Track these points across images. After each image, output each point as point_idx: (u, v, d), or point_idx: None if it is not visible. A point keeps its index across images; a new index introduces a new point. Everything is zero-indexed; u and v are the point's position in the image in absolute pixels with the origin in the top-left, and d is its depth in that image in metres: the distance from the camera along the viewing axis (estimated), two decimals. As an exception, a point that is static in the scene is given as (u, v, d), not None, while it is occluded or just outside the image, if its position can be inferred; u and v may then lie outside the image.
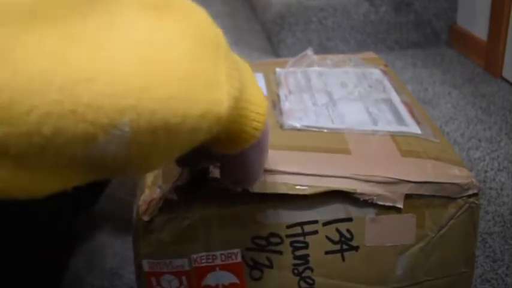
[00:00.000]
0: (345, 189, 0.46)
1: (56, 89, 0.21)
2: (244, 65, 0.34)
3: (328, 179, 0.47)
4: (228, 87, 0.28)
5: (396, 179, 0.47)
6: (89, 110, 0.22)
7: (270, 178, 0.46)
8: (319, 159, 0.49)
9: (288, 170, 0.47)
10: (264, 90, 0.63)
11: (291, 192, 0.46)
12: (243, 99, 0.31)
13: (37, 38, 0.21)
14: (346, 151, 0.51)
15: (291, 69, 0.68)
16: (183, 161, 0.40)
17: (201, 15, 0.29)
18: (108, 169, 0.26)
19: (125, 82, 0.23)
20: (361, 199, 0.47)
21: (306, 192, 0.46)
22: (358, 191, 0.46)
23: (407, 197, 0.48)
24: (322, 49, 1.41)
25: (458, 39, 1.43)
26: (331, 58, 0.71)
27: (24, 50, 0.21)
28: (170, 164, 0.47)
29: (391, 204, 0.47)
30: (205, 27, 0.29)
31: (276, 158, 0.48)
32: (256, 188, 0.45)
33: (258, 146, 0.36)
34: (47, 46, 0.22)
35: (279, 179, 0.46)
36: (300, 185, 0.46)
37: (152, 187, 0.47)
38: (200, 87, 0.26)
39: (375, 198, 0.47)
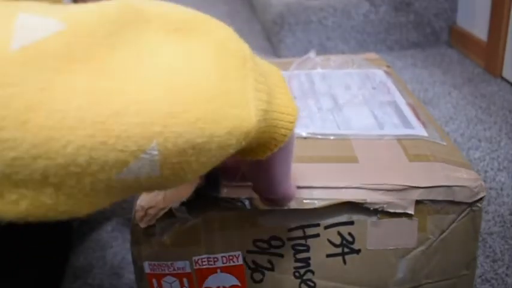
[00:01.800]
0: (354, 200, 0.46)
1: (88, 124, 0.23)
2: (272, 71, 0.34)
3: (336, 190, 0.47)
4: (256, 102, 0.29)
5: (405, 185, 0.47)
6: (118, 140, 0.24)
7: None
8: (327, 170, 0.49)
9: (296, 184, 0.47)
10: None
11: (300, 207, 0.46)
12: (271, 110, 0.32)
13: (69, 79, 0.23)
14: (353, 159, 0.51)
15: (295, 72, 0.68)
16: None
17: (225, 32, 0.30)
18: (146, 186, 0.27)
19: (152, 110, 0.24)
20: (372, 208, 0.47)
21: (316, 206, 0.46)
22: (368, 200, 0.46)
23: (416, 202, 0.47)
24: (322, 49, 1.41)
25: (458, 39, 1.43)
26: (334, 59, 0.71)
27: (57, 91, 0.23)
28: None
29: (402, 211, 0.47)
30: (229, 44, 0.29)
31: None
32: (266, 205, 0.45)
33: (284, 149, 0.36)
34: (78, 85, 0.23)
35: None
36: (309, 199, 0.46)
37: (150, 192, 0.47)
38: (227, 106, 0.27)
39: (385, 206, 0.47)
